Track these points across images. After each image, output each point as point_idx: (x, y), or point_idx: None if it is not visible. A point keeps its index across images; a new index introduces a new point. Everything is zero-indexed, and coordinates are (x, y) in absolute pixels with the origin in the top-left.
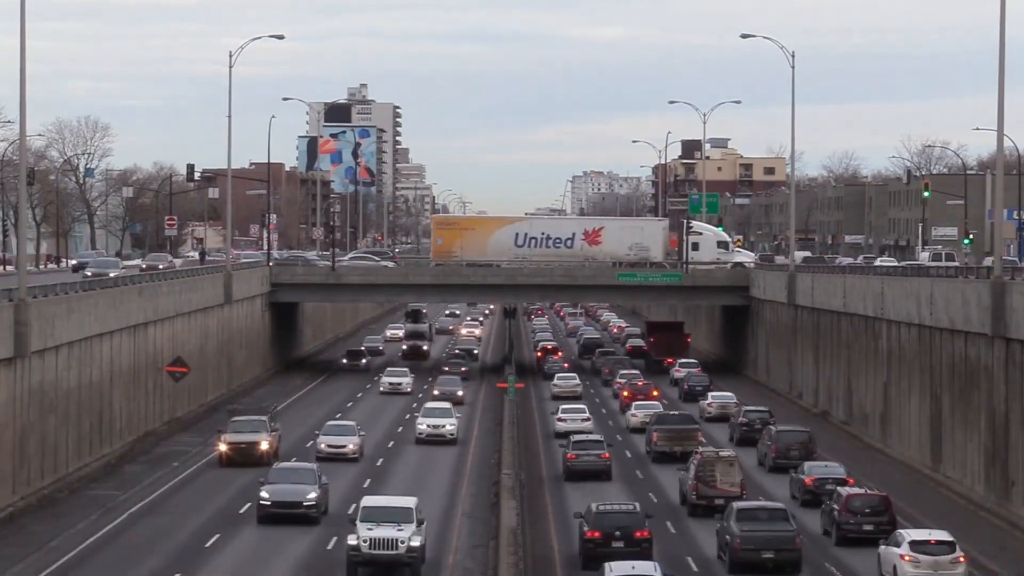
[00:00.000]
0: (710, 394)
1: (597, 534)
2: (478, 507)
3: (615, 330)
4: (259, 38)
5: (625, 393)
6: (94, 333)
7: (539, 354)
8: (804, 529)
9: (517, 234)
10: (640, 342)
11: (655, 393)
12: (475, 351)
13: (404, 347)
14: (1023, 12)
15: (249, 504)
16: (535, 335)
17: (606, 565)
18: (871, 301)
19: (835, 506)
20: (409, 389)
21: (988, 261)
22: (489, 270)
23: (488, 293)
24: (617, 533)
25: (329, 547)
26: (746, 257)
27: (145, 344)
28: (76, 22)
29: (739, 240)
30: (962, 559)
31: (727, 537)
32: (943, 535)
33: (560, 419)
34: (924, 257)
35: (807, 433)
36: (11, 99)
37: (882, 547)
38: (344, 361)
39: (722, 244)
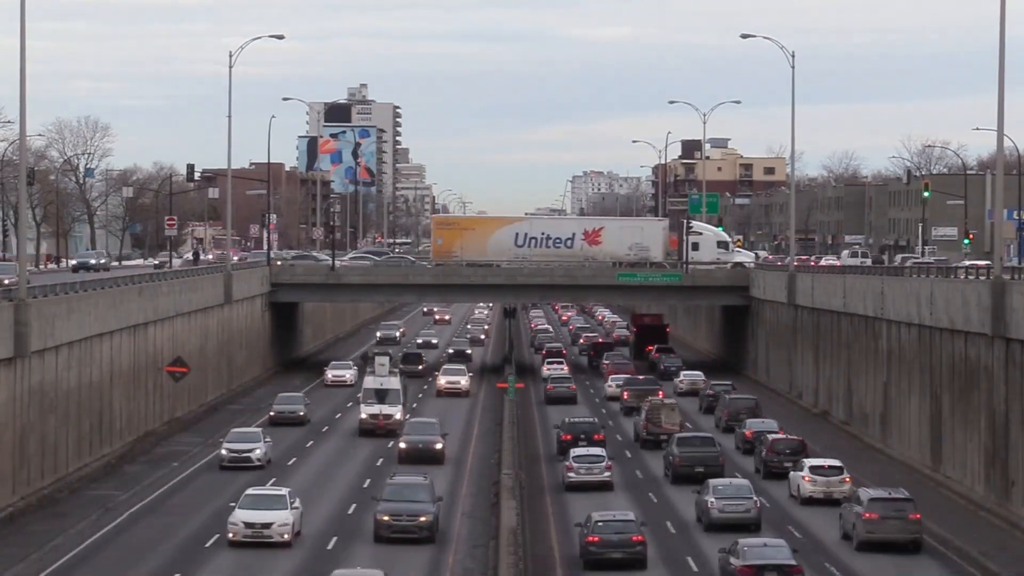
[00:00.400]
0: (682, 372)
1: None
2: (478, 507)
3: (601, 317)
4: (259, 38)
5: (606, 362)
6: (94, 333)
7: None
8: (740, 468)
9: (517, 234)
10: (625, 331)
11: (631, 370)
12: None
13: (363, 415)
14: (1023, 12)
15: None
16: (531, 320)
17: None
18: (871, 301)
19: (763, 449)
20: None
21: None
22: (489, 270)
23: (488, 293)
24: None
25: (329, 546)
26: (746, 257)
27: (145, 344)
28: (76, 22)
29: (739, 240)
30: (847, 480)
31: (670, 458)
32: (834, 462)
33: (546, 368)
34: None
35: (754, 400)
36: (12, 99)
37: (792, 473)
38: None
39: (722, 244)
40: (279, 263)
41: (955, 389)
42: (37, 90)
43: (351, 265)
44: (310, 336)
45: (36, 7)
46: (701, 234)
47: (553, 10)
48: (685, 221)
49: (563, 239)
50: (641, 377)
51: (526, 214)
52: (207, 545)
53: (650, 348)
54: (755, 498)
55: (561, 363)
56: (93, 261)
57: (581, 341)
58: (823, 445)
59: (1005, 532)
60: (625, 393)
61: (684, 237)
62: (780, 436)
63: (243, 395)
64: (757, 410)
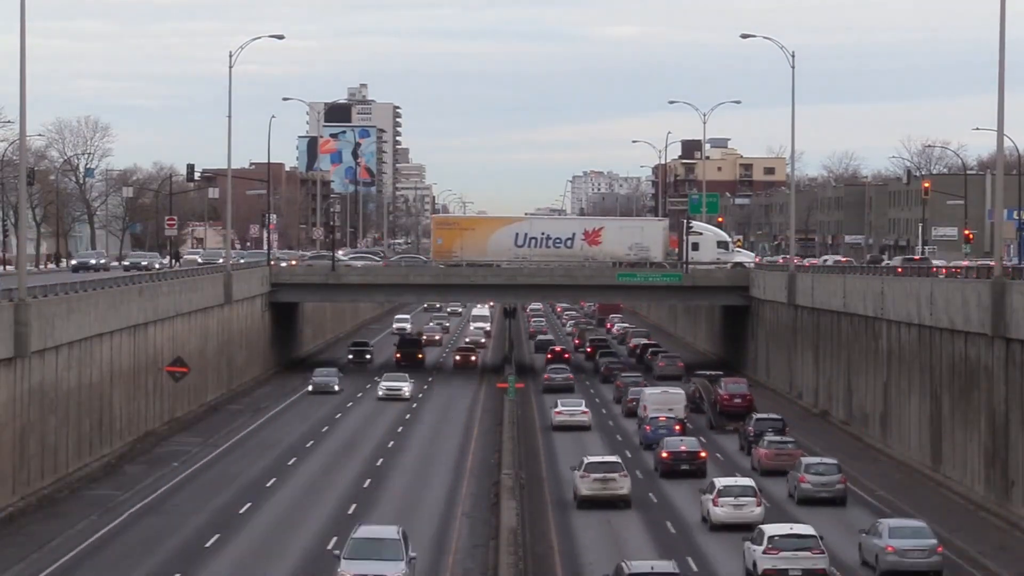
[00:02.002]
0: (632, 339)
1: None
2: (478, 507)
3: (584, 305)
4: (259, 38)
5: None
6: (94, 333)
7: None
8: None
9: (517, 234)
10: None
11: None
12: None
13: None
14: (1023, 12)
15: (249, 504)
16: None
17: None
18: (871, 301)
19: (750, 428)
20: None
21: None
22: (489, 270)
23: (488, 293)
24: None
25: (329, 546)
26: (746, 257)
27: (145, 344)
28: (75, 22)
29: (739, 240)
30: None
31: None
32: (775, 415)
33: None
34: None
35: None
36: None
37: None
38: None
39: (722, 244)
40: (293, 263)
41: (955, 389)
42: (37, 90)
43: (351, 265)
44: (310, 336)
45: (38, 6)
46: (701, 234)
47: (553, 10)
48: (685, 221)
49: (563, 239)
50: (614, 352)
51: (526, 214)
52: (207, 545)
53: (609, 325)
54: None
55: (543, 319)
56: (93, 261)
57: (572, 328)
58: (823, 445)
59: (1005, 532)
60: (604, 368)
61: (684, 237)
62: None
63: (243, 395)
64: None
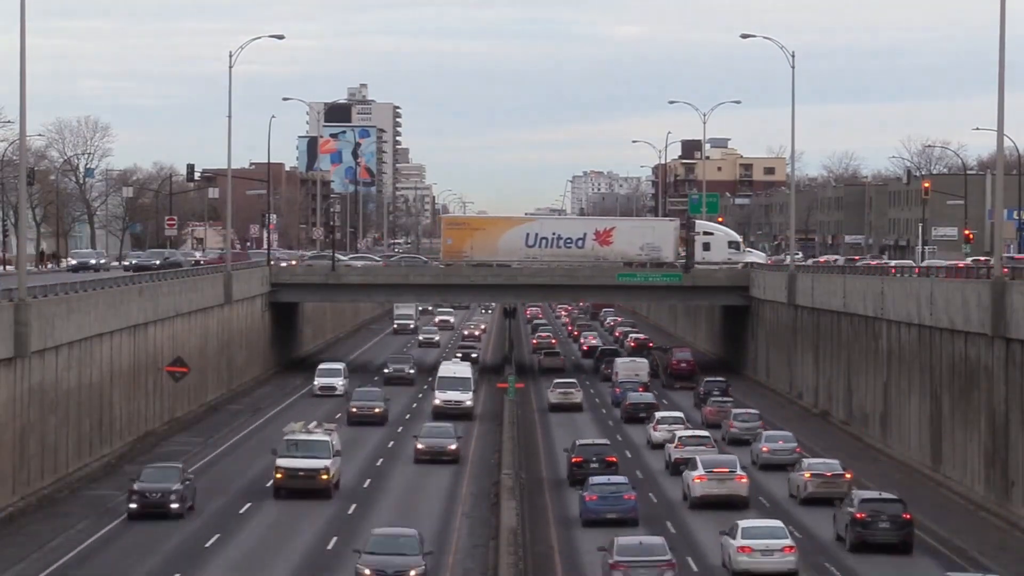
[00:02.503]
0: (618, 328)
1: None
2: (478, 507)
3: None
4: (258, 38)
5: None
6: (94, 333)
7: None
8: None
9: (528, 234)
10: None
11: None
12: None
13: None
14: (1023, 12)
15: (249, 504)
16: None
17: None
18: (871, 301)
19: (701, 389)
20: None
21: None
22: (489, 270)
23: (489, 293)
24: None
25: (329, 547)
26: (757, 257)
27: (145, 344)
28: (75, 21)
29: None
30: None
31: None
32: (721, 378)
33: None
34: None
35: (671, 347)
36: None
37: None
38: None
39: (733, 244)
40: (294, 263)
41: (955, 389)
42: (37, 89)
43: (351, 265)
44: (310, 336)
45: (39, 6)
46: (712, 234)
47: (554, 9)
48: (685, 220)
49: (574, 239)
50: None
51: (526, 214)
52: (207, 545)
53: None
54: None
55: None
56: (93, 261)
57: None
58: (823, 445)
59: (1005, 532)
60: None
61: (688, 236)
62: (712, 379)
63: (243, 395)
64: (727, 391)
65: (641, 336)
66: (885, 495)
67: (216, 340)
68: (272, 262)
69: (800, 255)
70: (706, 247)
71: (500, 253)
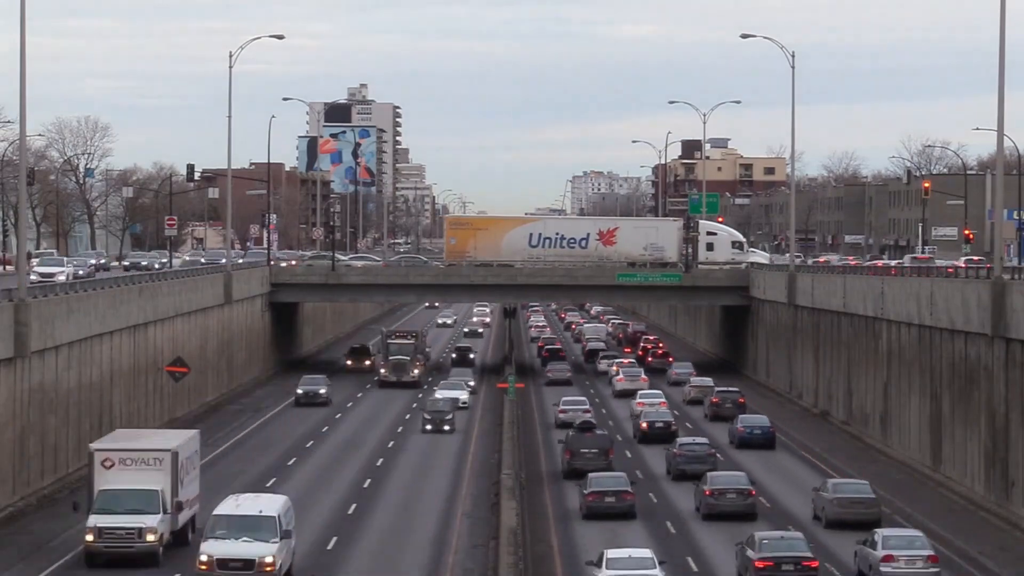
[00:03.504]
0: (603, 315)
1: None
2: (478, 507)
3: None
4: (258, 38)
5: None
6: (94, 333)
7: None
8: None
9: (531, 234)
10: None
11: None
12: None
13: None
14: (1023, 12)
15: None
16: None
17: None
18: (871, 301)
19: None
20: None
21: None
22: (489, 270)
23: (488, 293)
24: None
25: (329, 547)
26: (761, 257)
27: (145, 344)
28: (75, 20)
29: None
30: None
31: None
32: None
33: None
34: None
35: (628, 322)
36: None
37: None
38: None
39: (737, 244)
40: (294, 263)
41: (955, 389)
42: (37, 89)
43: (351, 265)
44: (310, 336)
45: (39, 5)
46: (716, 234)
47: (554, 10)
48: (686, 220)
49: (578, 239)
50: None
51: (526, 214)
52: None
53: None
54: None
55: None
56: (93, 261)
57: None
58: (823, 446)
59: (1005, 532)
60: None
61: (691, 236)
62: (680, 368)
63: (243, 395)
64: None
65: (612, 315)
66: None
67: (216, 340)
68: (272, 262)
69: (801, 257)
70: (710, 247)
71: (503, 253)
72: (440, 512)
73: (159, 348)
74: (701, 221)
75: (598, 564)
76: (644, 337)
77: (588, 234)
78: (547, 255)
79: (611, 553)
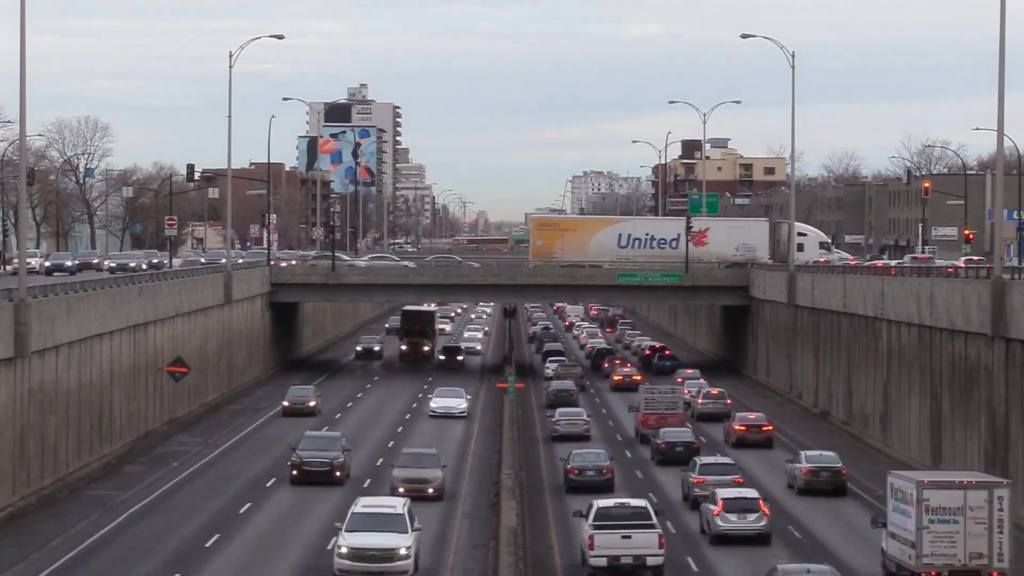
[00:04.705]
0: (593, 307)
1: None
2: (478, 507)
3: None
4: (258, 38)
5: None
6: (94, 333)
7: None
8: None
9: (620, 235)
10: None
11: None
12: None
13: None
14: (1023, 12)
15: (249, 504)
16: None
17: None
18: (871, 301)
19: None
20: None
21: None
22: (490, 270)
23: (488, 293)
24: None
25: (329, 546)
26: (839, 258)
27: (145, 344)
28: (73, 20)
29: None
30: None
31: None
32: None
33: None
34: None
35: (610, 310)
36: (13, 97)
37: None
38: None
39: (824, 245)
40: (294, 263)
41: (955, 389)
42: (38, 89)
43: (353, 265)
44: (310, 336)
45: (40, 5)
46: (806, 235)
47: (554, 10)
48: (769, 221)
49: (668, 240)
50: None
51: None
52: (207, 545)
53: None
54: None
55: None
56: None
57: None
58: (823, 445)
59: None
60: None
61: (686, 233)
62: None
63: (243, 395)
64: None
65: (599, 305)
66: None
67: (216, 340)
68: (272, 262)
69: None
70: (800, 248)
71: (591, 254)
72: (440, 512)
73: (159, 348)
74: (792, 223)
75: (586, 516)
76: (638, 336)
77: (679, 234)
78: (636, 256)
79: (601, 503)
